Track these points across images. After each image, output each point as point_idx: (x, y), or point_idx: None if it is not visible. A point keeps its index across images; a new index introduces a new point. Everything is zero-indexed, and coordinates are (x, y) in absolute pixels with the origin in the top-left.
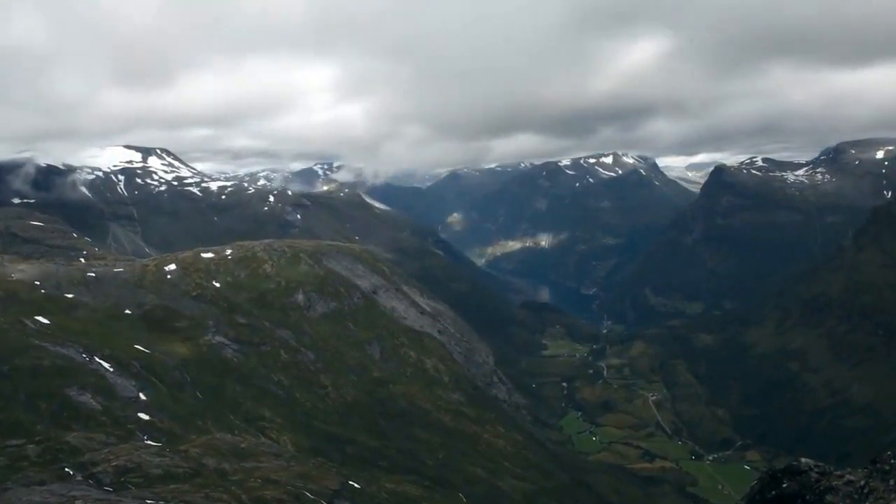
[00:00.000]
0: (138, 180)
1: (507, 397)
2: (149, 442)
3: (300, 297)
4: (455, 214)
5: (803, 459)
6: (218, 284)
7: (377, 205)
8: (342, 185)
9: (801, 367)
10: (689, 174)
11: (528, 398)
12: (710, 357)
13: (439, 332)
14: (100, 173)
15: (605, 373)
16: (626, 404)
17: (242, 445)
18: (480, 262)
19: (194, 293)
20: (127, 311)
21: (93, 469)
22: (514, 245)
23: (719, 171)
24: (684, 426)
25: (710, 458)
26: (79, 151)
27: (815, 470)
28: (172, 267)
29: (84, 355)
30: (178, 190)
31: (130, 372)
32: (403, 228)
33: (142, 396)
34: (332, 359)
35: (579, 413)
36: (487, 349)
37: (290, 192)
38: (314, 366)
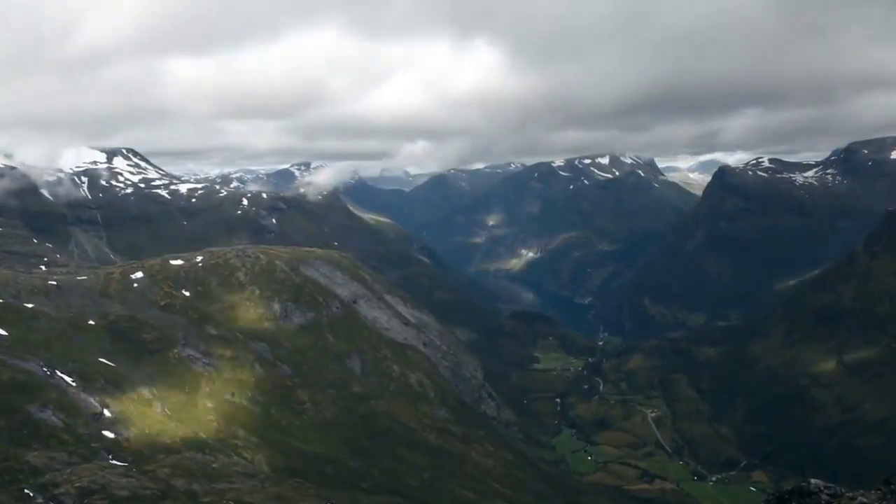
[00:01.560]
0: (103, 182)
1: (497, 414)
2: (114, 462)
3: (276, 306)
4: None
5: (813, 480)
6: (188, 293)
7: (358, 210)
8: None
9: (811, 382)
10: (692, 176)
11: (519, 415)
12: (713, 371)
13: (424, 344)
14: (61, 174)
15: (601, 388)
16: (624, 421)
17: (214, 465)
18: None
19: (162, 303)
20: (91, 322)
21: (54, 490)
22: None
23: (722, 173)
24: (686, 445)
25: (714, 478)
26: (43, 152)
27: (826, 492)
28: (139, 275)
29: (45, 369)
30: (145, 193)
31: (94, 387)
32: (387, 233)
33: (106, 413)
34: (310, 373)
35: (573, 431)
36: (476, 363)
37: (264, 195)
38: (291, 380)
